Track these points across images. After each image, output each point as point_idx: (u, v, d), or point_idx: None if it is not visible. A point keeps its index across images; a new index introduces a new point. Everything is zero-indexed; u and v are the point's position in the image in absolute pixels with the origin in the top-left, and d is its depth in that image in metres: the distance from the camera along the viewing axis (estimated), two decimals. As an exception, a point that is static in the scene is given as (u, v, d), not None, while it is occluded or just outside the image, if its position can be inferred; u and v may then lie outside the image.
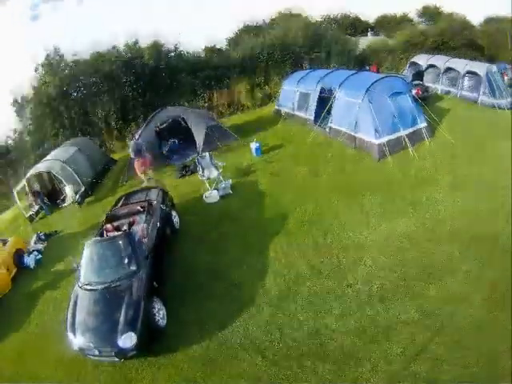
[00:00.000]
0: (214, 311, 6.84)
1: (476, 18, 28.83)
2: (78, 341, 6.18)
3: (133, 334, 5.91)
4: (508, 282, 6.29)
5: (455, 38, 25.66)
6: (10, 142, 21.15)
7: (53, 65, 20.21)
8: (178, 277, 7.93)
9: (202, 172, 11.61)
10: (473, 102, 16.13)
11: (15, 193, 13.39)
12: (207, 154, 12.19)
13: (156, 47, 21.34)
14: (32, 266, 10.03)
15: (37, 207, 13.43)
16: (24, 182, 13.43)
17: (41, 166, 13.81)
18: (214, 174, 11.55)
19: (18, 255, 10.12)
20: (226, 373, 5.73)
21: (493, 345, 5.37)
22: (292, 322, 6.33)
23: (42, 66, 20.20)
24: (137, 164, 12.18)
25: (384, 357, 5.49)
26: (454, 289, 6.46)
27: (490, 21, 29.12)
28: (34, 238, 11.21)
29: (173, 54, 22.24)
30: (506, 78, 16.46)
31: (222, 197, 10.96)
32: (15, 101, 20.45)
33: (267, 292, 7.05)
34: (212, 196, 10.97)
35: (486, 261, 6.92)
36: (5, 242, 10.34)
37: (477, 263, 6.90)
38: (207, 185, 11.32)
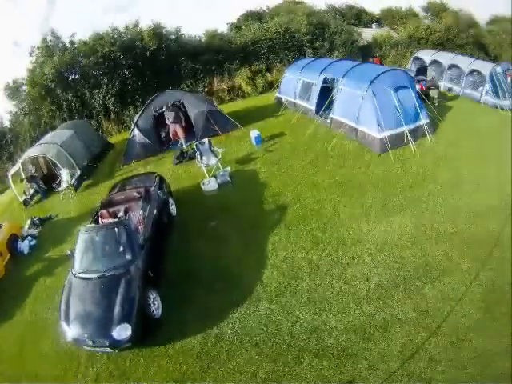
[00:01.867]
0: (210, 304, 6.75)
1: (482, 17, 28.52)
2: (71, 331, 6.08)
3: (128, 325, 5.82)
4: (507, 282, 6.28)
5: (460, 35, 25.36)
6: (5, 124, 20.75)
7: (50, 46, 19.71)
8: (175, 268, 7.81)
9: (201, 159, 11.41)
10: (475, 100, 15.98)
11: (10, 177, 13.13)
12: (206, 140, 11.95)
13: (156, 30, 20.85)
14: (26, 252, 9.88)
15: (32, 191, 13.19)
16: (19, 165, 13.13)
17: (36, 150, 13.47)
18: (213, 161, 11.38)
19: (12, 240, 9.93)
20: (221, 367, 5.68)
21: (490, 345, 5.35)
22: (289, 317, 6.28)
23: (39, 48, 19.69)
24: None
25: (381, 355, 5.46)
26: (451, 288, 6.42)
27: (495, 20, 28.79)
28: (28, 222, 11.00)
29: (173, 36, 21.74)
30: (509, 78, 16.29)
31: (220, 185, 10.80)
32: (7, 85, 20.00)
33: (265, 286, 6.97)
34: (210, 184, 10.80)
35: (484, 260, 6.86)
36: (-1, 227, 10.16)
37: (476, 262, 6.85)
38: (205, 172, 11.16)
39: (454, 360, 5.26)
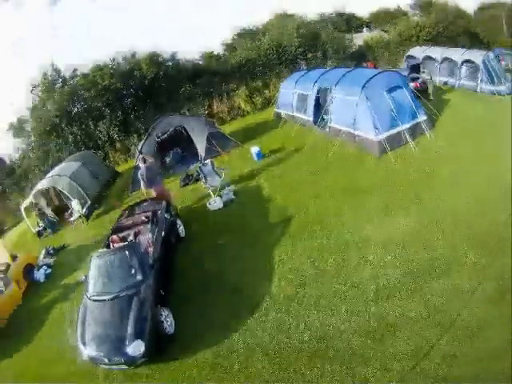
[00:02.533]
0: (221, 317, 6.86)
1: (469, 6, 28.69)
2: (88, 351, 6.30)
3: (141, 341, 6.00)
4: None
5: (450, 27, 25.47)
6: (14, 160, 21.54)
7: (50, 82, 20.56)
8: (185, 284, 7.99)
9: (205, 179, 11.71)
10: (472, 90, 15.99)
11: (23, 209, 13.68)
12: (209, 161, 12.30)
13: (153, 57, 21.60)
14: (42, 280, 10.25)
15: (43, 224, 13.66)
16: (31, 198, 13.68)
17: (46, 182, 14.07)
18: (217, 180, 11.65)
19: (28, 270, 10.34)
20: (234, 377, 5.75)
21: (505, 339, 5.21)
22: (299, 324, 6.31)
23: (39, 85, 20.55)
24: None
25: (393, 355, 5.41)
26: (461, 283, 6.32)
27: (483, 7, 28.90)
28: (43, 252, 11.39)
29: (170, 63, 22.45)
30: (503, 63, 16.28)
31: (225, 203, 11.03)
32: (11, 124, 20.85)
33: (273, 296, 7.03)
34: (216, 203, 11.03)
35: (492, 254, 6.75)
36: (15, 258, 10.56)
37: (483, 256, 6.74)
38: (211, 192, 11.41)
39: (468, 356, 5.16)
